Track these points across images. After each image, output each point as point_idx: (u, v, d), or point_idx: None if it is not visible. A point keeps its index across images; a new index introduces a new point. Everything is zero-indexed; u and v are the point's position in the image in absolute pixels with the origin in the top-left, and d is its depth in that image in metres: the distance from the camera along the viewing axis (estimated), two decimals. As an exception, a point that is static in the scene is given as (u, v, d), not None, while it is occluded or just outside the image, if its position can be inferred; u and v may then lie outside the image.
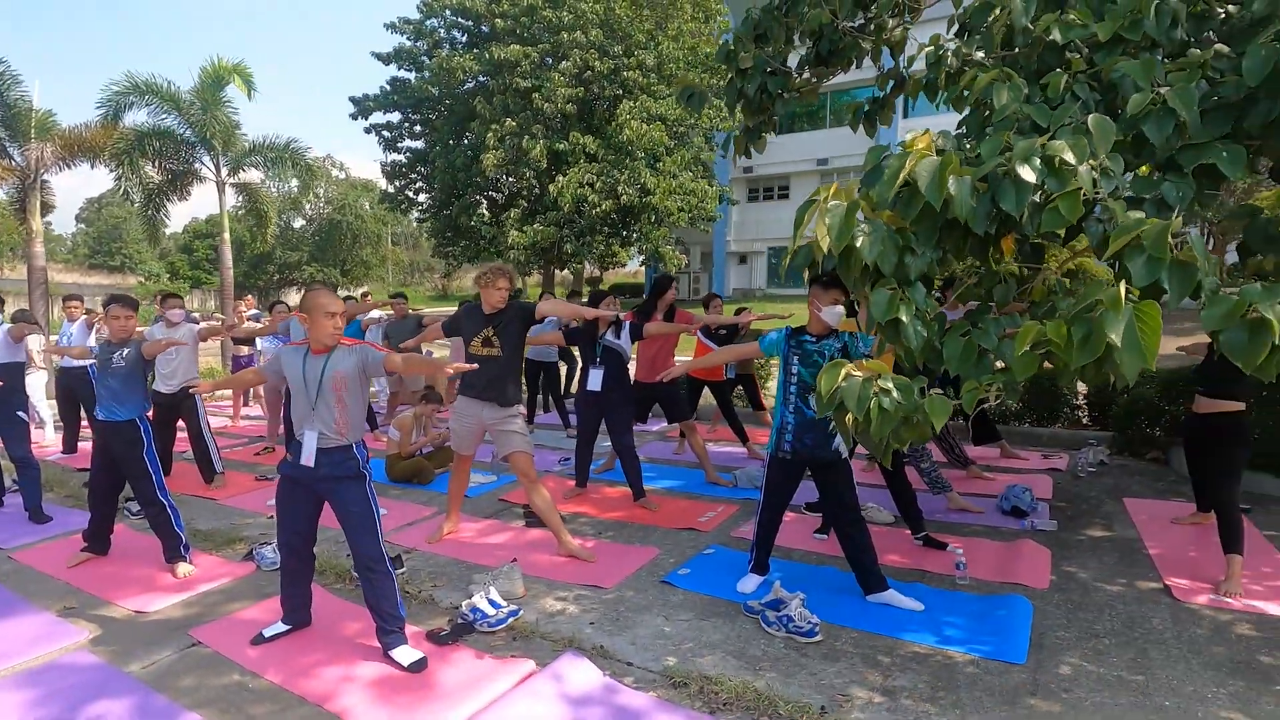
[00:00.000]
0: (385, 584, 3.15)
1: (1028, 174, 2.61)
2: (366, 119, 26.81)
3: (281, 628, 3.39)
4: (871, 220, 2.77)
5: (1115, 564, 3.98)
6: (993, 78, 3.32)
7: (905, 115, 27.36)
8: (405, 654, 3.11)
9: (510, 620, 3.41)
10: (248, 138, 12.18)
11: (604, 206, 21.05)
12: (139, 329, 6.16)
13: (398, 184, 28.12)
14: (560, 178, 20.94)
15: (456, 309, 4.63)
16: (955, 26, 4.90)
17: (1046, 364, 2.61)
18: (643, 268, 39.51)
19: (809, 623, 3.22)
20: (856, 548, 3.59)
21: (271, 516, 5.15)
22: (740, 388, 7.35)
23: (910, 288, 2.77)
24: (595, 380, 5.08)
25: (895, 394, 2.59)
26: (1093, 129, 2.82)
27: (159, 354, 4.50)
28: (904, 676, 2.92)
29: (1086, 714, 2.64)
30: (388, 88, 26.57)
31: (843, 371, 2.64)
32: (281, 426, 7.39)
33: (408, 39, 26.06)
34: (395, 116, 27.37)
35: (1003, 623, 3.30)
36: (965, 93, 3.74)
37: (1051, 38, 3.50)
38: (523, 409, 4.47)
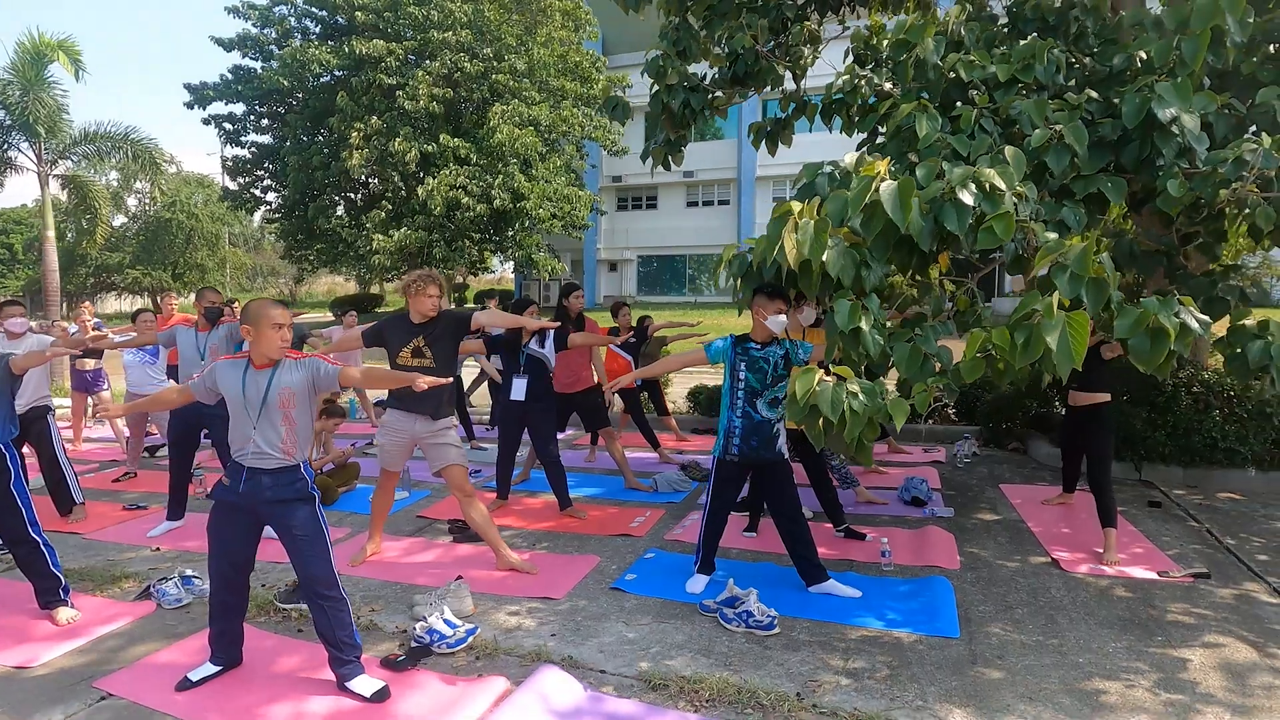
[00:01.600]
0: (339, 611, 2.96)
1: (967, 198, 2.91)
2: (205, 109, 24.58)
3: (211, 669, 3.08)
4: (833, 236, 2.97)
5: (1008, 543, 4.48)
6: (913, 108, 3.65)
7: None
8: (365, 684, 2.94)
9: (469, 639, 3.31)
10: (73, 124, 10.76)
11: (478, 210, 20.59)
12: None
13: (241, 181, 25.98)
14: (430, 179, 20.25)
15: (382, 319, 4.41)
16: (849, 58, 5.32)
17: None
18: (510, 274, 39.04)
19: (768, 616, 3.38)
20: (798, 542, 3.80)
21: (156, 549, 4.66)
22: (645, 394, 7.49)
23: (867, 299, 2.99)
24: (519, 390, 5.01)
25: (861, 397, 2.79)
26: (1009, 159, 3.18)
27: (32, 369, 3.94)
28: (861, 659, 3.14)
29: (1022, 676, 2.97)
30: (229, 76, 24.49)
31: (815, 377, 2.81)
32: (143, 449, 6.68)
33: (253, 25, 24.18)
34: (239, 108, 25.31)
35: (932, 602, 3.63)
36: (883, 119, 4.05)
37: (957, 75, 3.89)
38: (455, 421, 4.33)
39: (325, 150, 22.40)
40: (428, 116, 21.60)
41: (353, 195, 24.89)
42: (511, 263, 31.25)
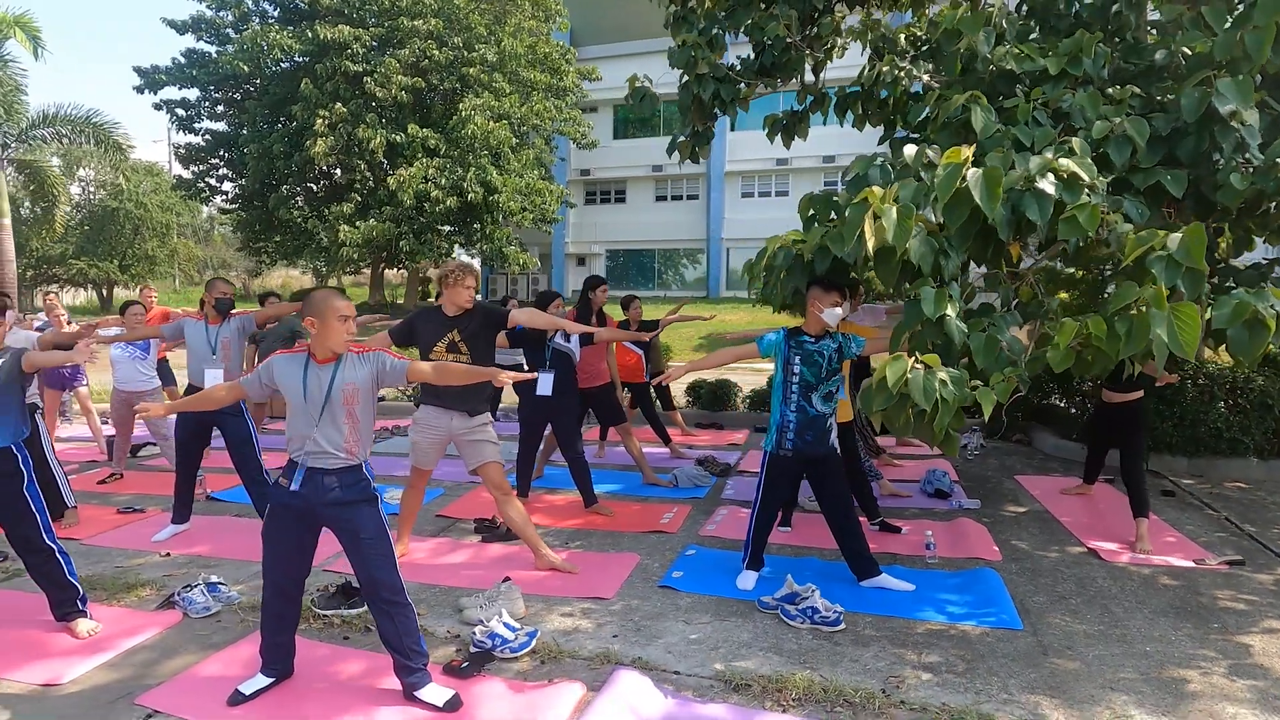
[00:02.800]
0: (407, 617, 2.81)
1: (1048, 187, 2.88)
2: (155, 93, 23.53)
3: (263, 681, 2.90)
4: (915, 225, 2.92)
5: (1040, 534, 4.54)
6: (966, 99, 3.63)
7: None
8: (435, 693, 2.80)
9: (532, 643, 3.19)
10: (31, 106, 10.12)
11: (449, 203, 20.16)
12: None
13: (195, 169, 24.96)
14: (401, 170, 19.76)
15: (410, 315, 4.21)
16: (867, 50, 5.30)
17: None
18: (479, 268, 38.44)
19: (834, 612, 3.34)
20: (851, 537, 3.77)
21: (166, 554, 4.41)
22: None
23: (948, 287, 2.96)
24: (545, 385, 4.87)
25: (951, 386, 2.75)
26: (1076, 150, 3.17)
27: (45, 368, 3.66)
28: (934, 653, 3.12)
29: (1097, 667, 2.99)
30: (182, 60, 23.48)
31: (906, 364, 2.76)
32: (128, 449, 6.32)
33: (208, 8, 23.24)
34: (193, 93, 24.29)
35: (986, 594, 3.64)
36: (903, 112, 3.97)
37: (1008, 67, 3.89)
38: (490, 418, 4.19)
39: (287, 139, 21.66)
40: (395, 106, 21.06)
41: (313, 186, 24.13)
42: (478, 257, 30.87)
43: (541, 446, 5.75)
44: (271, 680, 2.92)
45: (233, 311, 4.68)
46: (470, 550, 4.45)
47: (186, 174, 25.08)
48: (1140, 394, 4.34)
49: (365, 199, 21.33)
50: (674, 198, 30.19)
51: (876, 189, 2.92)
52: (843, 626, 3.33)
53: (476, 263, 30.31)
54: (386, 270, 27.13)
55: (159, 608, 3.68)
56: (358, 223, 20.40)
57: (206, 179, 25.12)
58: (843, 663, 3.06)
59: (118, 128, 10.96)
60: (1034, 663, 3.02)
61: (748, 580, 3.84)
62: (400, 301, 26.32)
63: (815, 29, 4.98)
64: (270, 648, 2.90)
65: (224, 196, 25.83)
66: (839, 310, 3.62)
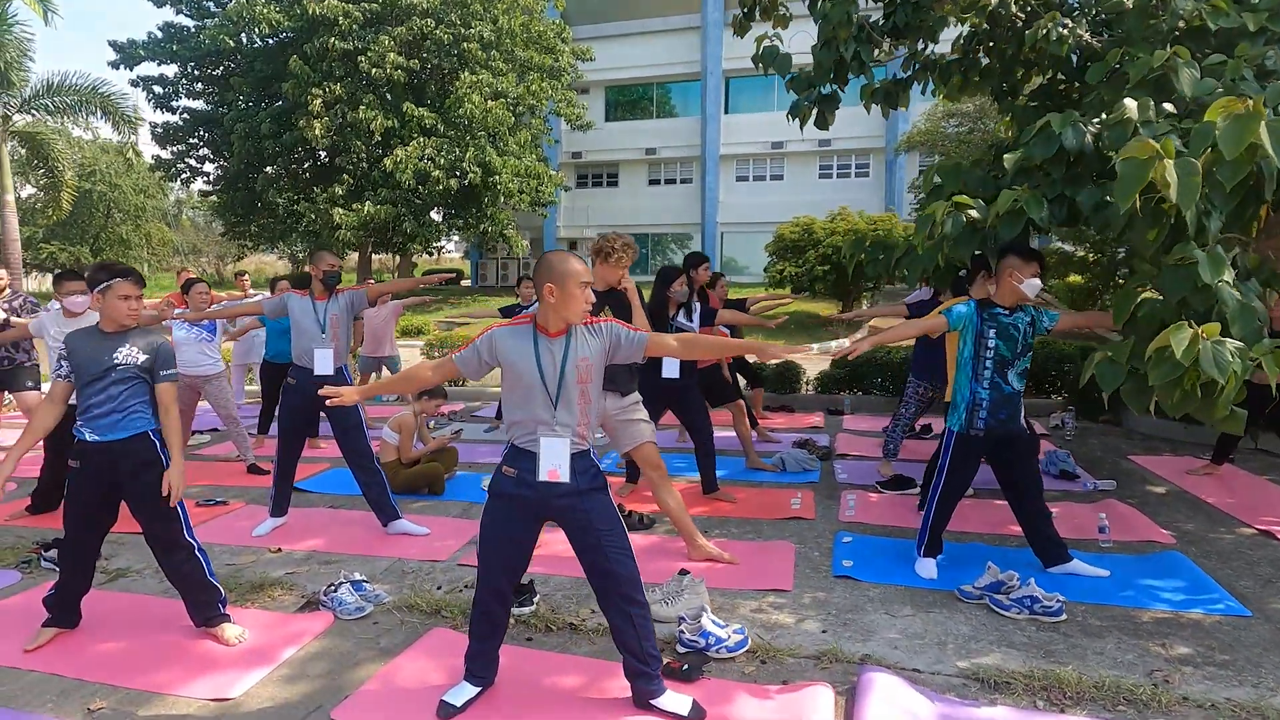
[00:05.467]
0: (645, 617, 2.51)
1: (1325, 142, 2.65)
2: (132, 69, 22.42)
3: (470, 690, 2.59)
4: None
5: (1196, 516, 4.38)
6: (1167, 59, 3.40)
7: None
8: (675, 701, 2.51)
9: (749, 642, 2.92)
10: (34, 74, 9.37)
11: (449, 185, 19.57)
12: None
13: (174, 149, 23.88)
14: (399, 151, 19.10)
15: None
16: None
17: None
18: (464, 256, 37.63)
19: (1056, 601, 3.12)
20: (1042, 520, 3.56)
21: (277, 550, 4.04)
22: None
23: (1214, 250, 2.73)
24: (671, 368, 4.57)
25: (1239, 358, 2.53)
26: (1322, 107, 2.93)
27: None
28: (1180, 643, 2.92)
29: (1358, 654, 2.81)
30: (159, 34, 22.39)
31: (1191, 334, 2.52)
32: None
33: (189, -21, 22.18)
34: (171, 69, 23.20)
35: (1192, 579, 3.46)
36: (1114, 68, 3.75)
37: (1203, 24, 3.66)
38: (640, 396, 3.89)
39: (275, 118, 20.80)
40: (390, 85, 20.35)
41: (297, 167, 23.25)
42: (465, 241, 30.15)
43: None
44: (478, 690, 2.61)
45: (339, 288, 4.28)
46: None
47: (165, 154, 23.97)
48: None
49: (358, 181, 20.62)
50: (667, 181, 29.82)
51: (1151, 142, 2.66)
52: (1064, 617, 3.11)
53: (458, 246, 29.67)
54: (393, 255, 26.31)
55: (301, 609, 3.33)
56: (354, 205, 19.72)
57: (186, 159, 24.09)
58: (1088, 656, 2.84)
59: (125, 99, 10.26)
60: (1290, 651, 2.84)
61: (928, 568, 3.61)
62: (340, 288, 25.57)
63: (947, -13, 4.70)
64: (479, 654, 2.59)
65: (205, 178, 24.81)
66: (1038, 281, 3.39)
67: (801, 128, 5.00)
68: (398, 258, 25.81)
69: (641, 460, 3.75)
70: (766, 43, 4.72)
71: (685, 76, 28.48)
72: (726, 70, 27.59)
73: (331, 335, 4.15)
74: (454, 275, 29.60)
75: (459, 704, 2.54)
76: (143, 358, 2.91)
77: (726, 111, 28.24)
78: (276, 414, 4.36)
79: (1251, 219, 2.97)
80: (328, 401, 2.56)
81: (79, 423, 2.87)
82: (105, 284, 2.84)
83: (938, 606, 3.28)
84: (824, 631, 3.07)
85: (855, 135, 26.03)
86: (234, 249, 28.69)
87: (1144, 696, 2.54)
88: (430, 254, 29.42)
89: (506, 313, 6.77)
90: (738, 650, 2.88)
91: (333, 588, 3.33)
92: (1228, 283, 2.65)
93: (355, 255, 26.26)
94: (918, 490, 4.83)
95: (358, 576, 3.42)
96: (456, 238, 30.09)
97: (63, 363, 2.87)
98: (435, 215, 22.15)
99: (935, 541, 3.67)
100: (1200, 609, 3.18)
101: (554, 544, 4.04)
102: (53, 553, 3.79)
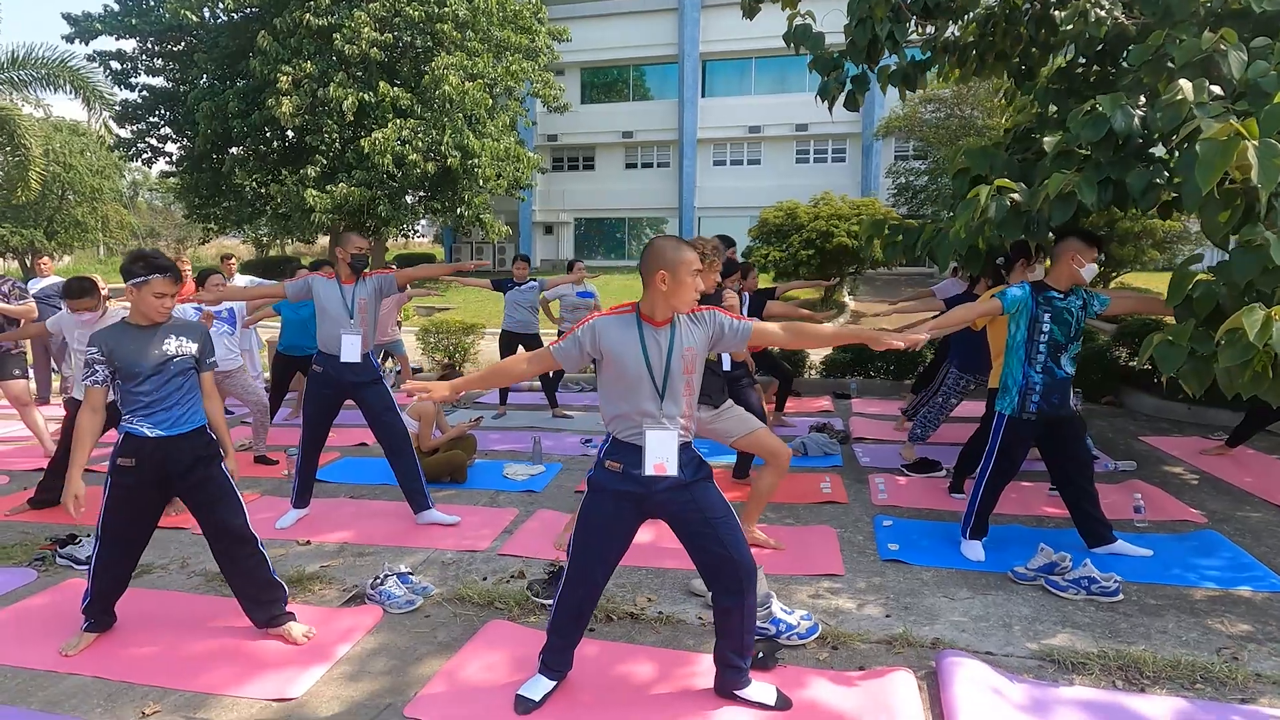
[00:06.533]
0: (753, 608, 2.43)
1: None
2: (88, 43, 21.43)
3: (547, 684, 2.52)
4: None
5: (1219, 495, 4.46)
6: (1216, 40, 3.40)
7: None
8: (761, 691, 2.47)
9: (819, 628, 2.88)
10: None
11: (427, 168, 19.15)
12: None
13: (134, 128, 22.95)
14: (377, 133, 18.60)
15: None
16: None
17: None
18: (435, 240, 36.94)
19: (1114, 582, 3.15)
20: (1090, 502, 3.58)
21: (306, 542, 3.91)
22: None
23: (1284, 234, 2.72)
24: (725, 359, 4.49)
25: (1314, 340, 2.53)
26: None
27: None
28: (1238, 620, 2.96)
29: None
30: (116, 6, 21.44)
31: (1265, 315, 2.52)
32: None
33: (147, -51, 21.23)
34: (130, 44, 22.27)
35: (1232, 557, 3.52)
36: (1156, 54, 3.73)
37: (1246, 6, 3.66)
38: (732, 401, 3.82)
39: (242, 96, 20.09)
40: (364, 64, 19.79)
41: (265, 148, 22.52)
42: (439, 225, 29.60)
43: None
44: (554, 683, 2.53)
45: (366, 271, 4.11)
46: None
47: (124, 133, 23.01)
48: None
49: (332, 162, 20.06)
50: (644, 165, 29.61)
51: (1234, 123, 2.65)
52: (1121, 597, 3.14)
53: (427, 231, 29.10)
54: (369, 238, 25.75)
55: (346, 604, 3.21)
56: (327, 187, 19.19)
57: (147, 139, 23.17)
58: (1153, 635, 2.87)
59: (96, 73, 9.75)
60: (1346, 626, 2.90)
61: (976, 550, 3.62)
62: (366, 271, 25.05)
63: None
64: (558, 648, 2.51)
65: (166, 159, 23.90)
66: (1095, 266, 3.38)
67: (831, 109, 4.93)
68: (371, 241, 25.24)
69: (759, 448, 3.65)
70: (799, 20, 4.62)
71: (662, 59, 28.23)
72: (703, 53, 27.43)
73: (360, 320, 3.99)
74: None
75: (537, 698, 2.47)
76: (193, 347, 2.76)
77: (704, 95, 28.09)
78: (302, 404, 4.18)
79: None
80: (415, 397, 2.42)
81: (135, 419, 2.70)
82: (142, 279, 2.65)
83: (993, 589, 3.28)
84: (888, 616, 3.05)
85: (833, 120, 26.02)
86: (198, 232, 27.80)
87: (1219, 675, 2.57)
88: (406, 237, 28.82)
89: (499, 285, 6.65)
90: (809, 637, 2.84)
91: (379, 580, 3.21)
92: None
93: (326, 239, 25.74)
94: (945, 473, 4.85)
95: (403, 569, 3.31)
96: (425, 222, 29.54)
97: (97, 367, 2.67)
98: (410, 198, 21.68)
99: (982, 524, 3.68)
100: (1248, 586, 3.24)
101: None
102: (69, 549, 3.61)
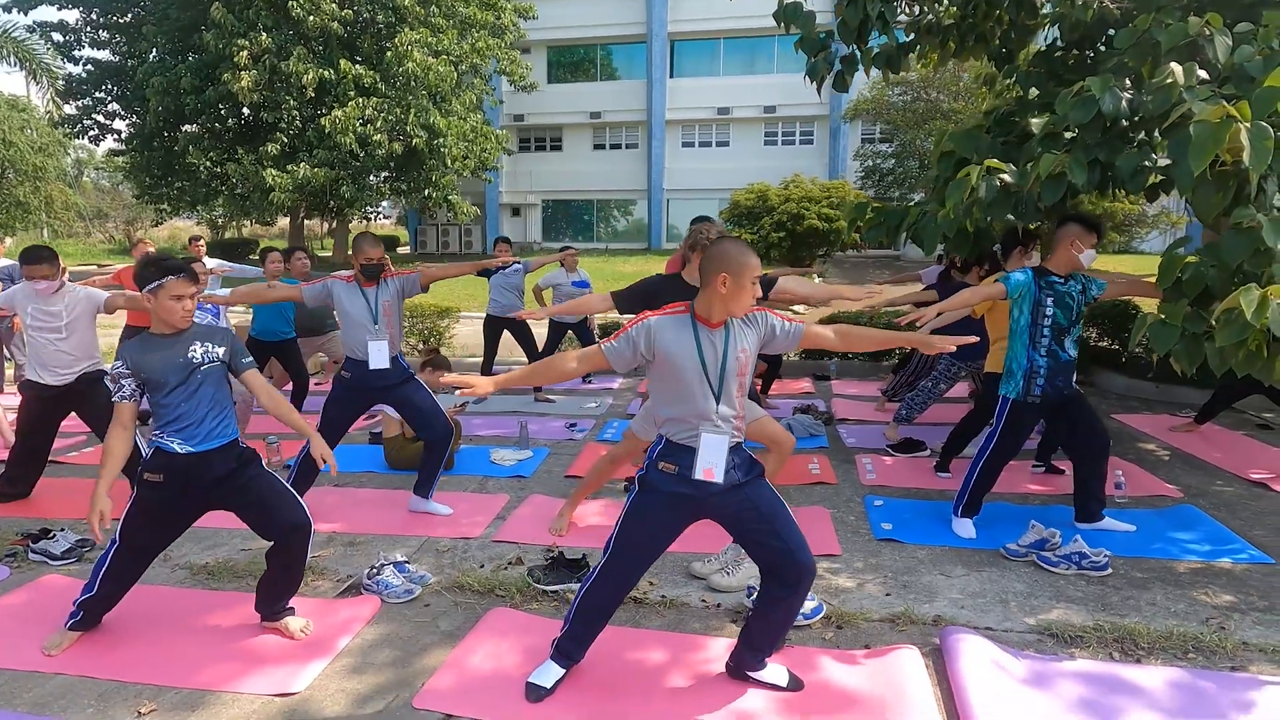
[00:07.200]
0: (801, 605, 2.42)
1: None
2: (27, 13, 20.40)
3: (558, 671, 2.49)
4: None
5: (1192, 470, 4.61)
6: (1203, 24, 3.45)
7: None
8: (774, 672, 2.48)
9: (824, 609, 2.91)
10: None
11: (392, 148, 18.71)
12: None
13: (79, 105, 21.97)
14: (338, 111, 18.10)
15: (639, 282, 3.64)
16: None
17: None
18: (398, 222, 36.18)
19: (1103, 556, 3.23)
20: (1098, 480, 3.65)
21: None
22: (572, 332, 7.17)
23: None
24: None
25: (1302, 319, 2.61)
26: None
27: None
28: (1221, 591, 3.07)
29: (1381, 595, 3.02)
30: (57, -26, 20.44)
31: (1261, 295, 2.59)
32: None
33: (90, -86, 20.24)
34: (73, 15, 21.27)
35: (1210, 531, 3.64)
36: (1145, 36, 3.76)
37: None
38: None
39: (196, 71, 19.35)
40: (324, 38, 19.21)
41: (221, 125, 21.76)
42: (404, 207, 28.99)
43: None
44: (565, 670, 2.50)
45: (387, 273, 3.90)
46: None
47: (69, 109, 22.02)
48: None
49: (292, 141, 19.49)
50: (613, 146, 29.35)
51: (1225, 105, 2.70)
52: (1110, 571, 3.23)
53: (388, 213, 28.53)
54: (330, 222, 25.03)
55: (342, 595, 3.14)
56: (288, 167, 18.65)
57: (93, 115, 22.21)
58: (1143, 607, 2.95)
59: (39, 45, 9.22)
60: (1322, 595, 3.02)
61: (967, 528, 3.68)
62: (329, 255, 24.50)
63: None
64: (579, 635, 2.47)
65: (115, 136, 22.97)
66: (1094, 251, 3.43)
67: (819, 90, 4.92)
68: (334, 223, 24.66)
69: (762, 434, 3.64)
70: (788, -1, 4.59)
71: (630, 38, 27.91)
72: (672, 32, 27.20)
73: (385, 324, 3.82)
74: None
75: (549, 685, 2.44)
76: (219, 350, 2.65)
77: (672, 75, 27.88)
78: (324, 403, 3.98)
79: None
80: (458, 392, 2.35)
81: (164, 434, 2.57)
82: (157, 284, 2.52)
83: (987, 565, 3.35)
84: (888, 594, 3.09)
85: (800, 103, 26.14)
86: (150, 214, 26.84)
87: (1210, 644, 2.66)
88: (367, 219, 28.20)
89: (484, 272, 6.52)
90: (814, 617, 2.87)
91: (375, 570, 3.15)
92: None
93: (286, 220, 25.05)
94: (929, 453, 4.93)
95: (399, 557, 3.25)
96: (386, 204, 28.90)
97: (123, 382, 2.54)
98: (375, 179, 21.18)
99: (975, 502, 3.73)
100: (1228, 558, 3.35)
101: (597, 516, 3.96)
102: (43, 544, 3.46)
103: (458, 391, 2.31)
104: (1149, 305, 3.70)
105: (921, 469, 4.68)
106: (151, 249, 6.38)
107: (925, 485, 4.41)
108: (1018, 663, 2.56)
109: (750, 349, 2.33)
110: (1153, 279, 3.40)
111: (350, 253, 3.94)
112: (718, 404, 2.27)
